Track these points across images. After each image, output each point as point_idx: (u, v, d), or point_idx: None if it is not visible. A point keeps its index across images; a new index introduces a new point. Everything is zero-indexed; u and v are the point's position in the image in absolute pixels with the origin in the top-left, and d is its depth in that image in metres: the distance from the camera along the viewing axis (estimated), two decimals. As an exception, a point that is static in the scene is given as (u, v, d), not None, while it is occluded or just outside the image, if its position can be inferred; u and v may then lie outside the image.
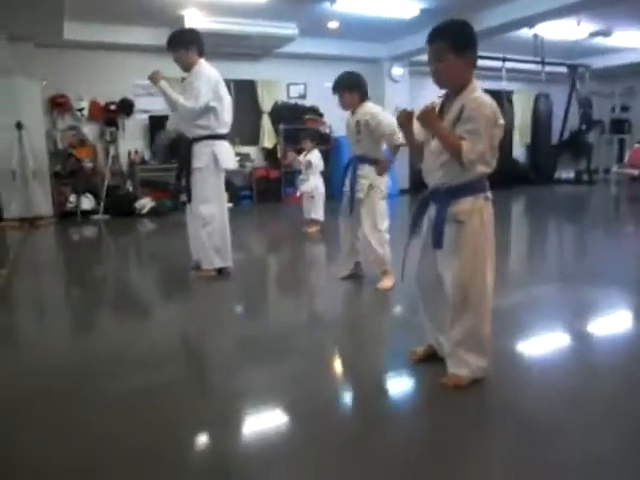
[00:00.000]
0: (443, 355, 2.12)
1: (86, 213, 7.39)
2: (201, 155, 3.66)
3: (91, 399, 1.98)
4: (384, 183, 3.48)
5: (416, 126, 2.09)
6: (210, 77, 3.62)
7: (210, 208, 3.72)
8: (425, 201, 2.10)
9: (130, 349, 2.46)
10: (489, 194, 2.00)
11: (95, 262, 4.77)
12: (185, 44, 3.63)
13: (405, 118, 2.07)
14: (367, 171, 3.43)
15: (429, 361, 2.20)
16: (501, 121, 1.91)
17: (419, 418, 1.85)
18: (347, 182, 3.53)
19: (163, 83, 3.63)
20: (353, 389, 2.09)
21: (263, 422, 1.83)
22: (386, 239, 3.48)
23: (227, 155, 3.77)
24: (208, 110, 3.60)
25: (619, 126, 11.57)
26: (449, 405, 1.89)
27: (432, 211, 2.04)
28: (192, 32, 3.81)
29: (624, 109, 11.67)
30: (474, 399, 1.93)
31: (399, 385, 2.11)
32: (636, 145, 8.95)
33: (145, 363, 2.29)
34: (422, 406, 1.95)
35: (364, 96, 3.47)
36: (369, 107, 3.44)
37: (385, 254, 3.46)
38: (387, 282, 3.46)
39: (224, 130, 3.75)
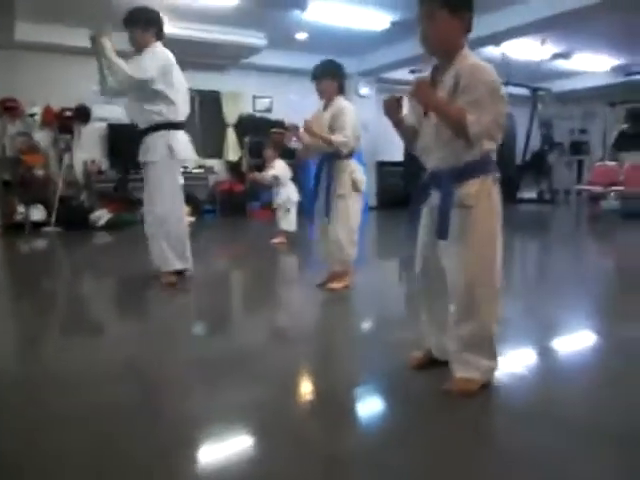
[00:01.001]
0: (445, 359, 1.87)
1: (36, 225, 6.87)
2: (155, 147, 3.34)
3: (31, 421, 1.65)
4: (362, 174, 3.33)
5: (405, 111, 1.88)
6: (160, 57, 3.30)
7: (165, 206, 3.40)
8: (425, 187, 1.87)
9: (76, 368, 2.09)
10: (497, 174, 1.77)
11: (42, 276, 4.31)
12: (144, 23, 3.33)
13: (392, 105, 1.81)
14: (345, 164, 3.23)
15: (426, 368, 1.94)
16: (503, 91, 1.70)
17: (409, 440, 1.57)
18: (322, 181, 3.31)
19: (108, 43, 3.18)
20: (331, 404, 1.80)
21: (221, 450, 1.51)
22: (356, 239, 3.31)
23: (184, 146, 3.45)
24: (155, 94, 3.27)
25: (578, 148, 11.86)
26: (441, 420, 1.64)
27: (434, 198, 1.81)
28: (153, 12, 3.45)
29: (583, 132, 11.98)
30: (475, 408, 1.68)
31: (381, 401, 1.84)
32: (598, 164, 9.15)
33: (91, 384, 1.93)
34: (411, 423, 1.67)
35: (342, 88, 3.30)
36: (342, 102, 3.26)
37: (351, 255, 3.32)
38: (340, 283, 3.33)
39: (179, 118, 3.43)
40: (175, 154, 3.35)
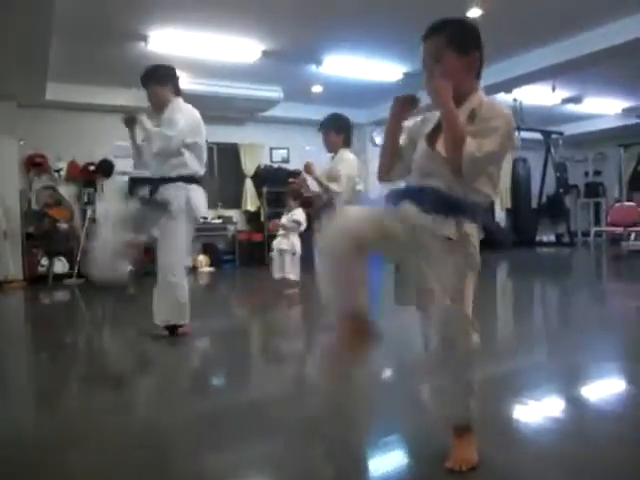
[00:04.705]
0: None
1: (59, 277, 6.98)
2: (174, 197, 3.30)
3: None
4: None
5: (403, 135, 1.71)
6: (189, 113, 3.35)
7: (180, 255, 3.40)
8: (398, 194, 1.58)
9: (93, 426, 2.02)
10: (480, 232, 1.55)
11: (61, 329, 4.29)
12: (161, 80, 3.36)
13: (404, 104, 1.60)
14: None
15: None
16: (514, 141, 1.58)
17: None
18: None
19: (144, 119, 3.33)
20: (350, 459, 1.73)
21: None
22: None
23: (201, 201, 3.42)
24: (187, 146, 3.30)
25: (594, 190, 11.86)
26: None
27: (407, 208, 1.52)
28: (168, 68, 3.49)
29: (597, 173, 12.02)
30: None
31: (407, 455, 1.76)
32: (616, 205, 9.12)
33: (106, 441, 1.86)
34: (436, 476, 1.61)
35: (348, 141, 3.43)
36: (344, 154, 3.36)
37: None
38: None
39: (200, 172, 3.44)
40: (193, 208, 3.34)
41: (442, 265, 1.48)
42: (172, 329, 3.41)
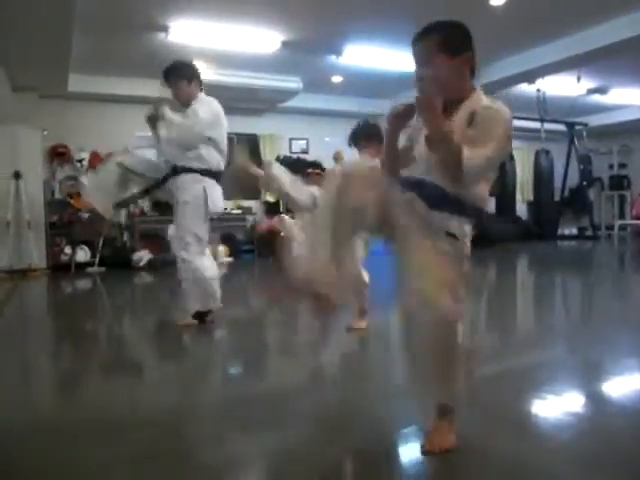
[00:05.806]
0: None
1: (81, 265, 7.10)
2: (190, 188, 3.32)
3: (61, 466, 1.62)
4: None
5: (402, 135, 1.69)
6: (214, 107, 3.38)
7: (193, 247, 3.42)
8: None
9: (113, 413, 2.05)
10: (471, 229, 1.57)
11: (83, 316, 4.37)
12: (188, 76, 3.39)
13: (401, 115, 1.56)
14: None
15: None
16: (511, 143, 1.55)
17: None
18: None
19: (166, 110, 3.33)
20: (368, 453, 1.74)
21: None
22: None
23: (216, 196, 3.42)
24: (208, 140, 3.32)
25: (618, 183, 11.61)
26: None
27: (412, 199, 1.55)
28: (193, 65, 3.57)
29: (622, 166, 11.76)
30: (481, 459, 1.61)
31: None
32: (642, 198, 8.93)
33: (127, 429, 1.88)
34: (456, 469, 1.61)
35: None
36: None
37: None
38: (364, 322, 3.23)
39: (220, 167, 3.44)
40: (208, 201, 3.34)
41: (437, 256, 1.50)
42: (201, 316, 3.47)
